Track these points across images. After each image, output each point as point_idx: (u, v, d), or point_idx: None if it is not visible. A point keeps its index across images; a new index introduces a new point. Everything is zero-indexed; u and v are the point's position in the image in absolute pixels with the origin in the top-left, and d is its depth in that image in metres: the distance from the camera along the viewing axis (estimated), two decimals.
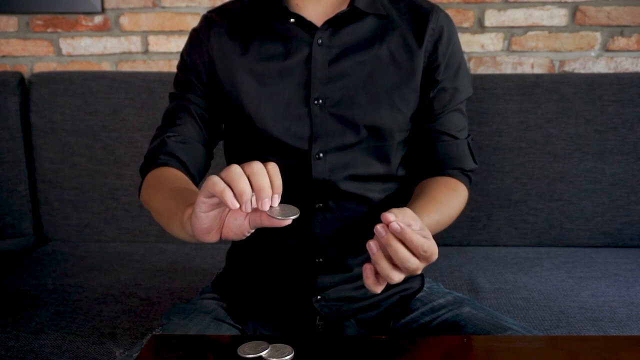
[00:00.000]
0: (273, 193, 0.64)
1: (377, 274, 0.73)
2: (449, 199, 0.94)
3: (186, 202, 0.75)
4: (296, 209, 0.66)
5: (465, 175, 0.99)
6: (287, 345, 0.69)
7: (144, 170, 0.95)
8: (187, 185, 0.87)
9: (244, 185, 0.62)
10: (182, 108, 0.97)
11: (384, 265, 0.70)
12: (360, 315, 0.96)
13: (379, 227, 0.70)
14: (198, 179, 0.97)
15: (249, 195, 0.63)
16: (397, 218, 0.70)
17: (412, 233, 0.69)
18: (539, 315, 1.18)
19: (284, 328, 0.96)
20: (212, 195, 0.64)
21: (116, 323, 1.15)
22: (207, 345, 0.74)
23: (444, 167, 0.98)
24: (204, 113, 0.97)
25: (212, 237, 0.69)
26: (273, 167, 0.65)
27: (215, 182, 0.63)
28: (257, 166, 0.64)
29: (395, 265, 0.71)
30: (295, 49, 0.92)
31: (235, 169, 0.64)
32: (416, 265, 0.70)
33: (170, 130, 0.95)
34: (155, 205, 0.87)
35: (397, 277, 0.71)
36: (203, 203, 0.65)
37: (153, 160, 0.94)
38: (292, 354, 0.68)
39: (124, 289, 1.30)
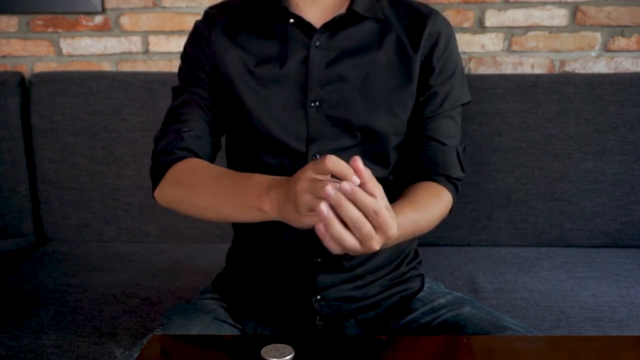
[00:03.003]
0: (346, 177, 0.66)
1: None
2: (428, 202, 0.92)
3: (256, 191, 0.77)
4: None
5: (451, 183, 0.97)
6: (287, 345, 0.69)
7: (160, 169, 0.93)
8: (224, 172, 0.87)
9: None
10: (191, 102, 0.96)
11: (337, 228, 0.67)
12: (360, 315, 0.96)
13: (328, 188, 0.66)
14: None
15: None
16: (365, 174, 0.66)
17: (363, 193, 0.66)
18: (539, 315, 1.18)
19: (284, 328, 0.96)
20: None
21: (116, 323, 1.15)
22: (207, 345, 0.74)
23: (429, 172, 0.97)
24: (211, 106, 0.97)
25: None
26: (326, 162, 0.66)
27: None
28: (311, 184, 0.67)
29: (349, 228, 0.68)
30: (292, 51, 0.92)
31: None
32: (368, 231, 0.67)
33: (184, 126, 0.94)
34: (203, 200, 0.86)
35: (350, 239, 0.67)
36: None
37: (169, 156, 0.92)
38: (292, 354, 0.68)
39: (124, 289, 1.30)
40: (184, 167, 0.91)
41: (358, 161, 0.66)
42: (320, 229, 0.68)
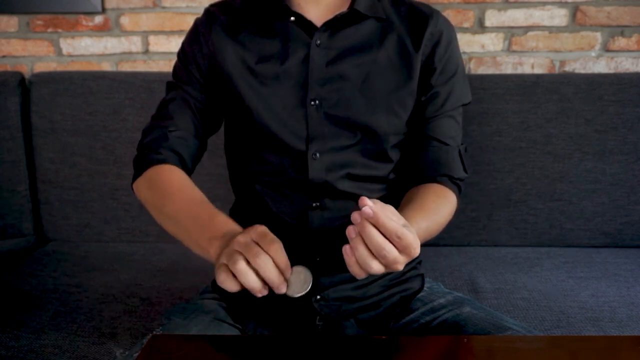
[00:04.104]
0: (283, 275, 0.69)
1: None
2: (437, 206, 0.92)
3: (210, 233, 0.79)
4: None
5: (454, 184, 0.97)
6: (303, 268, 0.72)
7: (143, 163, 0.95)
8: (199, 198, 0.88)
9: (253, 282, 0.68)
10: (181, 100, 0.97)
11: (362, 252, 0.69)
12: (360, 315, 0.96)
13: (355, 213, 0.69)
14: (192, 171, 0.99)
15: (261, 287, 0.69)
16: (376, 206, 0.68)
17: (385, 218, 0.67)
18: (539, 315, 1.18)
19: (284, 328, 0.96)
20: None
21: (116, 323, 1.15)
22: (207, 345, 0.74)
23: (432, 173, 0.96)
24: (201, 106, 0.97)
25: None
26: (275, 248, 0.69)
27: (225, 282, 0.69)
28: (260, 259, 0.67)
29: (374, 254, 0.69)
30: (293, 49, 0.92)
31: (240, 265, 0.68)
32: (393, 255, 0.68)
33: (171, 124, 0.96)
34: (169, 212, 0.88)
35: (376, 266, 0.69)
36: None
37: (153, 153, 0.94)
38: (310, 281, 0.72)
39: (124, 289, 1.30)
40: (164, 174, 0.92)
41: (365, 200, 0.69)
42: (347, 252, 0.70)
